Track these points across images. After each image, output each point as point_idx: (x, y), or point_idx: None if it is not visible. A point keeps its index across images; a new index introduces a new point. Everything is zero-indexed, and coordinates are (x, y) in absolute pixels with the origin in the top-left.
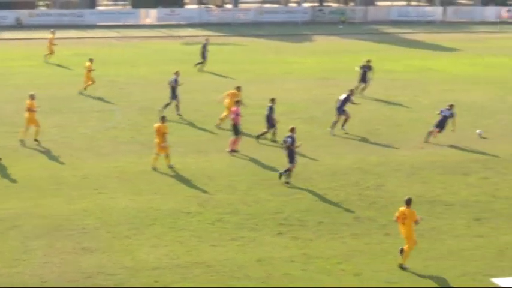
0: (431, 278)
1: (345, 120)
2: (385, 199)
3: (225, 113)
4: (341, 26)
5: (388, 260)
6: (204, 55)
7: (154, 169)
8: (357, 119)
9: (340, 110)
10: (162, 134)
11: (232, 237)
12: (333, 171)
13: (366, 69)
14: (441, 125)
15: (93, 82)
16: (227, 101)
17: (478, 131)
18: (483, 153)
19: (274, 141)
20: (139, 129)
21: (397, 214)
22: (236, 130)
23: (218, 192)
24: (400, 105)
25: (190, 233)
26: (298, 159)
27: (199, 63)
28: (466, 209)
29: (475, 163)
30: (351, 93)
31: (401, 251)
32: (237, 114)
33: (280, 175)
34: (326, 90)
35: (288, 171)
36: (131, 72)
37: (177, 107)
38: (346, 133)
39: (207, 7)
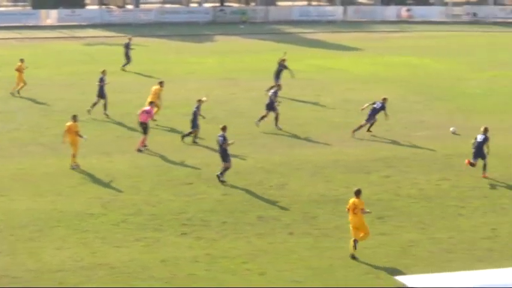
0: (335, 276)
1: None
2: (289, 198)
3: (155, 109)
4: (242, 26)
5: (292, 259)
6: (127, 55)
7: (74, 168)
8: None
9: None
10: (73, 132)
11: (136, 238)
12: (236, 171)
13: (282, 67)
14: (371, 117)
15: (25, 84)
16: (152, 96)
17: (451, 128)
18: (385, 152)
19: (195, 142)
20: (41, 131)
21: (348, 206)
22: (145, 129)
23: (122, 193)
24: (303, 104)
25: (94, 235)
26: (203, 160)
27: (125, 64)
28: (369, 207)
29: (377, 162)
30: (279, 88)
31: (355, 243)
32: (148, 113)
33: (219, 177)
34: (228, 90)
35: (225, 170)
36: (33, 74)
37: (105, 106)
38: (250, 133)
39: (108, 8)
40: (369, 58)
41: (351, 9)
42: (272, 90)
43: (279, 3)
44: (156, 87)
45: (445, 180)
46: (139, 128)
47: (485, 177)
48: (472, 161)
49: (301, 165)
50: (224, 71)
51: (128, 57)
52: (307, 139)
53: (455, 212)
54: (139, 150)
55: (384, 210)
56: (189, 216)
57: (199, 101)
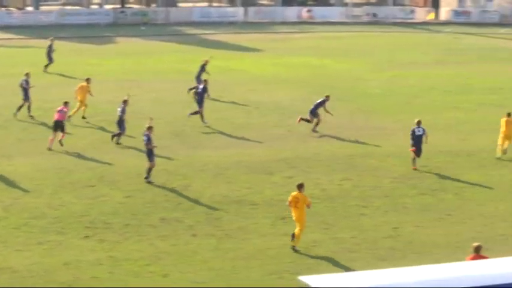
0: (239, 277)
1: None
2: (192, 200)
3: (82, 107)
4: (143, 28)
5: (195, 261)
6: (49, 56)
7: None
8: (162, 120)
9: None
10: None
11: (38, 241)
12: (138, 173)
13: (202, 69)
14: (313, 112)
15: None
16: (79, 95)
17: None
18: (287, 153)
19: (118, 144)
20: None
21: (289, 199)
22: (58, 127)
23: (23, 196)
24: (205, 105)
25: None
26: (104, 162)
27: (47, 65)
28: (272, 208)
29: (280, 162)
30: (206, 83)
31: (293, 235)
32: (63, 112)
33: (146, 178)
34: (130, 91)
35: (150, 170)
36: None
37: (29, 108)
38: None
39: (7, 10)
40: (270, 59)
41: (251, 10)
42: (200, 86)
43: (180, 4)
44: (82, 84)
45: (347, 180)
46: (53, 127)
47: (415, 169)
48: (414, 156)
49: (204, 166)
50: (126, 73)
51: (50, 59)
52: (209, 140)
53: (358, 211)
54: (50, 149)
55: (286, 211)
56: (91, 218)
57: (125, 101)
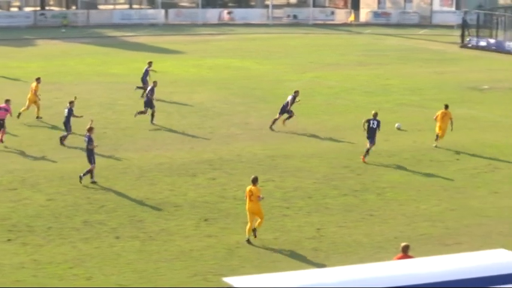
0: (163, 279)
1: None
2: (114, 202)
3: (27, 106)
4: (64, 30)
5: (119, 263)
6: None
7: None
8: (83, 122)
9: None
10: None
11: None
12: (60, 176)
13: (147, 71)
14: (283, 110)
15: None
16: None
17: (396, 124)
18: (210, 154)
19: (62, 145)
20: None
21: (245, 193)
22: (1, 125)
23: None
24: (126, 108)
25: None
26: (26, 165)
27: None
28: (195, 209)
29: (203, 164)
30: (155, 84)
31: (254, 231)
32: (6, 110)
33: (81, 178)
34: (50, 94)
35: (89, 172)
36: None
37: None
38: (74, 137)
39: None
40: (191, 61)
41: (172, 12)
42: (149, 88)
43: (100, 6)
44: (33, 83)
45: (270, 181)
46: None
47: (364, 162)
48: (368, 146)
49: (126, 168)
50: (47, 75)
51: None
52: (131, 142)
53: (280, 212)
54: None
55: (209, 213)
56: (14, 222)
57: (71, 102)
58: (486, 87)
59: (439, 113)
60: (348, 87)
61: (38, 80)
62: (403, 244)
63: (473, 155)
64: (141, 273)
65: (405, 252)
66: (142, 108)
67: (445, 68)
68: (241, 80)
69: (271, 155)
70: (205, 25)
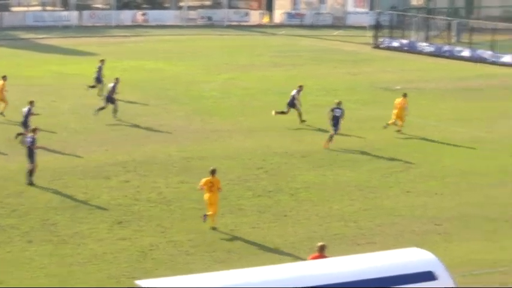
0: (76, 283)
1: None
2: (27, 206)
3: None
4: None
5: (32, 268)
6: None
7: None
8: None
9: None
10: None
11: None
12: None
13: (99, 71)
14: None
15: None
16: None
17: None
18: (124, 156)
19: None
20: None
21: (202, 183)
22: None
23: None
24: (40, 110)
25: None
26: None
27: None
28: (108, 212)
29: (116, 166)
30: (117, 81)
31: (205, 216)
32: None
33: (30, 183)
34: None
35: (30, 172)
36: None
37: None
38: None
39: None
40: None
41: (86, 13)
42: (111, 85)
43: (13, 8)
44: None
45: (184, 183)
46: None
47: (326, 148)
48: (332, 133)
49: (39, 172)
50: None
51: None
52: (45, 145)
53: (195, 214)
54: None
55: (123, 215)
56: None
57: (31, 102)
58: (398, 87)
59: (397, 101)
60: (263, 88)
61: (4, 78)
62: (319, 244)
63: (386, 155)
64: (54, 277)
65: (321, 252)
66: (102, 105)
67: (359, 68)
68: (155, 81)
69: (186, 157)
70: (119, 27)
